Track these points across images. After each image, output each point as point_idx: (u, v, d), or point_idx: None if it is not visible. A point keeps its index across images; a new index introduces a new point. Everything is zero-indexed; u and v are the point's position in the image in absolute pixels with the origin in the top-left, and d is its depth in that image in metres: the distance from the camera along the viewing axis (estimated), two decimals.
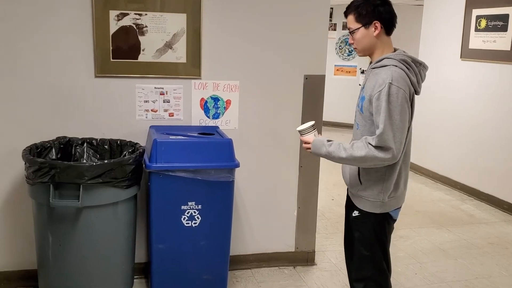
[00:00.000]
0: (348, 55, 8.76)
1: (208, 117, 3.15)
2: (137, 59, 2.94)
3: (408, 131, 2.05)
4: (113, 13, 2.85)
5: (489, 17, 5.04)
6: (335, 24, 8.80)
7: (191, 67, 3.04)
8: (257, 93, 3.20)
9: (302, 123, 3.00)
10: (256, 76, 3.18)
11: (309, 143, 2.14)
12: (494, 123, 4.98)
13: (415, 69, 2.06)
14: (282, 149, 3.31)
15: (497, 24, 4.95)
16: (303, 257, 3.49)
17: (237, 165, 2.73)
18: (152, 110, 3.04)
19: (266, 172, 3.33)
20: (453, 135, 5.56)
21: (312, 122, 2.19)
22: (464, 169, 5.39)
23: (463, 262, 3.67)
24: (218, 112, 3.15)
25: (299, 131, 2.18)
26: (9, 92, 2.81)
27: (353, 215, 2.21)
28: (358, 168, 2.14)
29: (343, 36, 8.74)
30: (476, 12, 5.21)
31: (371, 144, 1.95)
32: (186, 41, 3.00)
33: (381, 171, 2.09)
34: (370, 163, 1.99)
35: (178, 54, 3.00)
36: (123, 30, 2.89)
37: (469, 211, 4.81)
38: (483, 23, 5.12)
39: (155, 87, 3.02)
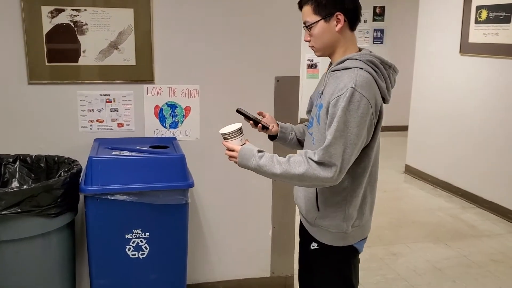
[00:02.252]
0: None
1: (165, 126, 2.74)
2: (77, 62, 2.54)
3: (373, 147, 1.68)
4: (45, 9, 2.45)
5: (491, 8, 4.59)
6: None
7: (142, 70, 2.63)
8: (220, 98, 2.79)
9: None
10: (219, 79, 2.77)
11: (234, 151, 1.73)
12: (497, 122, 4.54)
13: (384, 73, 1.67)
14: None
15: (500, 15, 4.50)
16: (280, 283, 3.08)
17: (191, 185, 2.32)
18: (97, 121, 2.64)
19: (234, 188, 2.93)
20: (452, 136, 5.12)
21: (239, 125, 1.78)
22: (465, 173, 4.96)
23: (462, 284, 3.24)
24: (176, 120, 2.75)
25: (222, 135, 1.77)
26: None
27: (311, 248, 1.81)
28: (316, 189, 1.75)
29: None
30: (476, 2, 4.76)
31: (312, 160, 1.56)
32: (134, 40, 2.59)
33: (342, 194, 1.70)
34: (309, 183, 1.60)
35: (126, 56, 2.60)
36: (59, 28, 2.48)
37: (470, 222, 4.38)
38: (484, 14, 4.67)
39: (100, 94, 2.61)
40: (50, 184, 2.10)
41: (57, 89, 2.55)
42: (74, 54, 2.53)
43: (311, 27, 1.69)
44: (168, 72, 2.68)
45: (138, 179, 2.25)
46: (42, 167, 2.48)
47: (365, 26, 8.13)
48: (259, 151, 1.67)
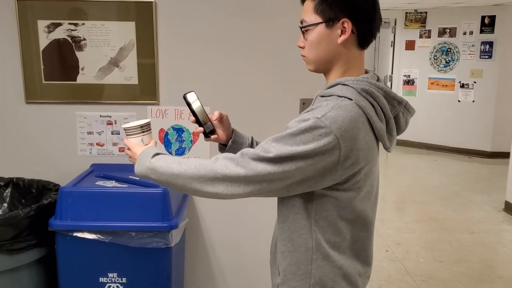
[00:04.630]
0: (444, 66, 7.45)
1: (170, 153, 2.43)
2: (75, 80, 2.33)
3: (354, 204, 1.24)
4: (42, 24, 2.28)
5: None
6: (429, 31, 7.55)
7: (146, 90, 2.36)
8: (235, 123, 2.38)
9: None
10: (235, 101, 2.40)
11: (131, 150, 1.40)
12: None
13: (387, 111, 1.23)
14: None
15: None
16: None
17: (173, 227, 1.97)
18: (97, 144, 2.41)
19: (252, 225, 2.52)
20: None
21: (144, 121, 1.44)
22: None
23: None
24: (183, 146, 2.42)
25: (125, 129, 1.44)
26: None
27: None
28: (276, 245, 1.33)
29: (439, 44, 7.45)
30: None
31: (226, 158, 1.21)
32: (136, 57, 2.32)
33: (307, 256, 1.25)
34: (208, 184, 1.21)
35: (128, 74, 2.34)
36: (56, 44, 2.30)
37: None
38: None
39: (100, 116, 2.38)
40: (10, 217, 1.88)
41: (55, 109, 2.37)
42: (72, 71, 2.32)
43: (307, 29, 1.27)
44: (174, 92, 2.37)
45: (113, 216, 1.96)
46: (33, 193, 2.30)
47: (471, 38, 7.20)
48: (158, 154, 1.32)
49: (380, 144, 1.30)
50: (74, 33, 2.29)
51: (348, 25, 1.21)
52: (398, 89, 7.94)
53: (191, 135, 2.42)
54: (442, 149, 7.54)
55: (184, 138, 2.41)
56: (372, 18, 1.25)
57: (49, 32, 2.28)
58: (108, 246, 1.97)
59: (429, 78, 7.67)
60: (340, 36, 1.23)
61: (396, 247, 3.98)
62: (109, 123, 2.39)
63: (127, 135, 1.45)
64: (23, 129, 2.38)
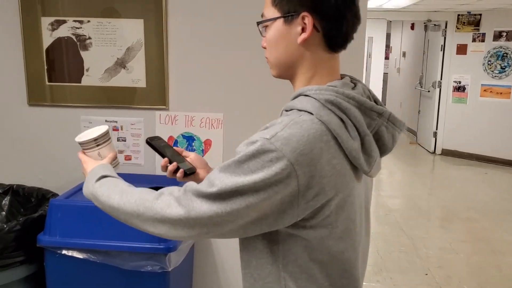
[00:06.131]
0: (500, 72, 6.91)
1: None
2: (80, 82, 2.17)
3: (329, 248, 0.98)
4: (46, 21, 2.12)
5: None
6: (483, 34, 7.03)
7: (154, 94, 2.16)
8: (250, 131, 2.15)
9: None
10: (249, 106, 2.17)
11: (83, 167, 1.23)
12: None
13: (361, 126, 0.95)
14: None
15: None
16: None
17: (170, 249, 1.76)
18: None
19: None
20: None
21: (101, 131, 1.23)
22: None
23: None
24: None
25: (79, 144, 1.24)
26: None
27: None
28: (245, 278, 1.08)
29: (494, 48, 6.92)
30: None
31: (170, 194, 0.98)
32: (145, 58, 2.13)
33: None
34: (154, 227, 0.99)
35: (135, 76, 2.15)
36: (60, 43, 2.14)
37: None
38: None
39: (106, 120, 2.21)
40: None
41: (59, 113, 2.21)
42: (76, 72, 2.16)
43: (265, 25, 1.04)
44: (185, 96, 2.16)
45: (106, 235, 1.77)
46: (32, 202, 2.15)
47: None
48: (106, 176, 1.12)
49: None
50: (79, 31, 2.12)
51: (308, 20, 0.95)
52: (447, 96, 7.45)
53: (202, 143, 2.20)
54: (494, 161, 7.00)
55: (194, 147, 2.20)
56: (342, 14, 0.96)
57: (53, 29, 2.13)
58: (100, 266, 1.78)
59: (482, 84, 7.14)
60: (300, 34, 0.97)
61: (437, 271, 3.61)
62: (115, 129, 2.21)
63: (84, 150, 1.24)
64: (26, 132, 2.24)
